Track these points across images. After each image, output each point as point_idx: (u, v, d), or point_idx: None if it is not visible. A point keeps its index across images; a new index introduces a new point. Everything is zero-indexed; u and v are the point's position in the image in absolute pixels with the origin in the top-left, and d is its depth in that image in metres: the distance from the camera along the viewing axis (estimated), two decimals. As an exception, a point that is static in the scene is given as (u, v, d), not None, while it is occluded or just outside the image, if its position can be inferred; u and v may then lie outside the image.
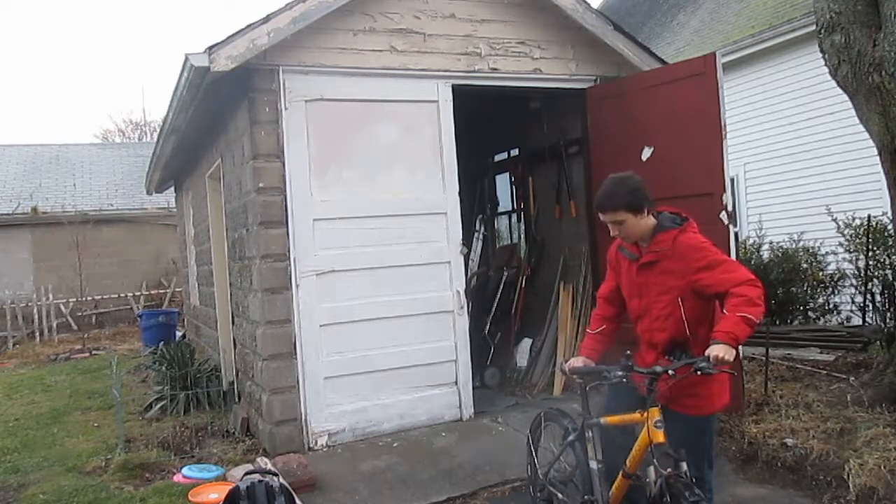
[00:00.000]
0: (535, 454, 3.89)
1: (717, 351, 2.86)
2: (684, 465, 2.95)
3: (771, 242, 8.42)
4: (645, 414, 3.06)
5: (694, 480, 2.96)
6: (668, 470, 2.90)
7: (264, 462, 4.76)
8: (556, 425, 3.72)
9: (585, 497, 3.34)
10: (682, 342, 3.22)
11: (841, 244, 7.58)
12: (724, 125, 5.23)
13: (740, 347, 3.57)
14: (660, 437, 2.98)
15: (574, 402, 5.12)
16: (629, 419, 3.23)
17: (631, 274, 3.39)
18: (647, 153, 5.69)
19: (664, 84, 5.67)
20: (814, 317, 7.88)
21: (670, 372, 3.00)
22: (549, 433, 3.81)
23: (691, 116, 5.38)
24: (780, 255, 8.05)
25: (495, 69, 5.85)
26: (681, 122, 5.43)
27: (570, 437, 3.48)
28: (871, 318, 7.13)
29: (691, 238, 3.22)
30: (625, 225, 3.27)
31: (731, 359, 2.87)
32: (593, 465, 3.31)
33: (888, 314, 6.98)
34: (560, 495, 3.62)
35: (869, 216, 7.21)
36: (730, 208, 5.16)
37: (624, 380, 3.10)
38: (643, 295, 3.33)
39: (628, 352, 3.17)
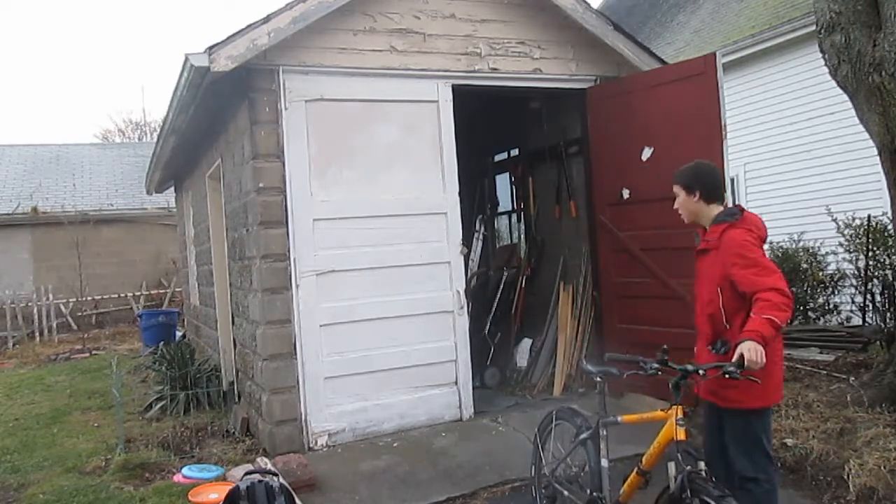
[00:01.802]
0: (542, 452, 3.90)
1: (745, 348, 2.91)
2: (703, 464, 2.99)
3: (771, 242, 8.41)
4: (668, 411, 3.10)
5: (744, 477, 3.07)
6: (689, 467, 2.93)
7: (264, 462, 4.76)
8: (567, 424, 3.75)
9: (593, 494, 3.36)
10: (723, 333, 3.30)
11: (841, 244, 7.58)
12: (725, 125, 5.23)
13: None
14: (682, 434, 3.02)
15: (574, 403, 5.13)
16: (651, 417, 3.28)
17: (696, 260, 3.57)
18: (647, 153, 5.69)
19: (664, 84, 5.67)
20: (814, 317, 7.88)
21: (700, 372, 3.06)
22: (558, 432, 3.83)
23: (691, 116, 5.38)
24: (780, 255, 8.05)
25: (495, 69, 5.85)
26: (681, 122, 5.43)
27: (584, 435, 3.51)
28: (871, 318, 7.13)
29: (737, 234, 3.35)
30: (678, 200, 3.57)
31: (761, 358, 2.90)
32: (604, 462, 3.37)
33: (888, 314, 6.98)
34: (565, 493, 3.64)
35: (869, 216, 7.21)
36: (730, 208, 5.16)
37: (658, 373, 3.16)
38: (699, 281, 3.51)
39: (665, 346, 3.22)
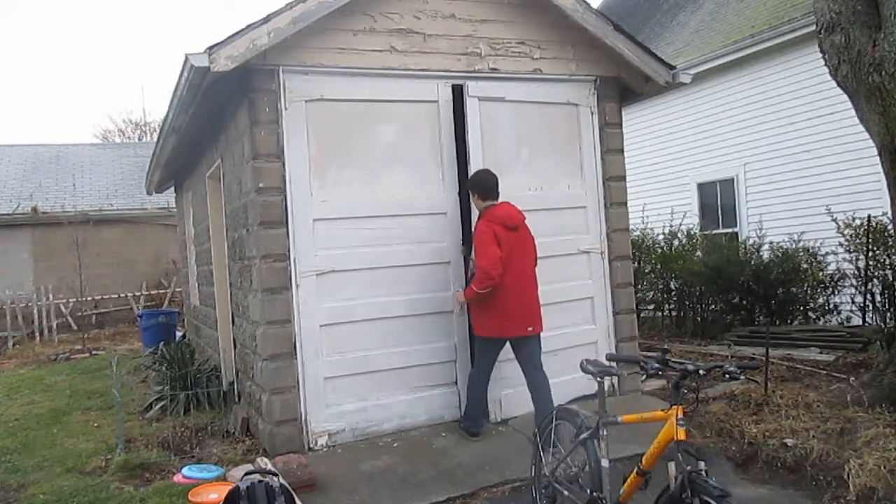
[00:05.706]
0: (542, 451, 3.91)
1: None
2: (703, 464, 3.00)
3: (771, 242, 8.42)
4: (668, 411, 3.11)
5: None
6: (689, 467, 2.94)
7: (264, 462, 4.76)
8: (567, 423, 3.75)
9: (594, 494, 3.36)
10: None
11: (841, 244, 7.58)
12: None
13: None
14: (682, 434, 3.03)
15: (572, 403, 5.12)
16: (651, 417, 3.28)
17: None
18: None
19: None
20: (814, 317, 7.88)
21: (701, 371, 3.09)
22: (558, 432, 3.83)
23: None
24: (780, 255, 8.05)
25: (495, 69, 5.85)
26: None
27: (584, 435, 3.51)
28: (871, 319, 7.14)
29: (478, 224, 5.10)
30: (472, 199, 5.34)
31: (459, 299, 5.20)
32: (605, 462, 3.37)
33: (888, 314, 6.99)
34: (566, 493, 3.64)
35: (869, 216, 7.21)
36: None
37: (659, 372, 3.20)
38: None
39: (665, 345, 3.29)
